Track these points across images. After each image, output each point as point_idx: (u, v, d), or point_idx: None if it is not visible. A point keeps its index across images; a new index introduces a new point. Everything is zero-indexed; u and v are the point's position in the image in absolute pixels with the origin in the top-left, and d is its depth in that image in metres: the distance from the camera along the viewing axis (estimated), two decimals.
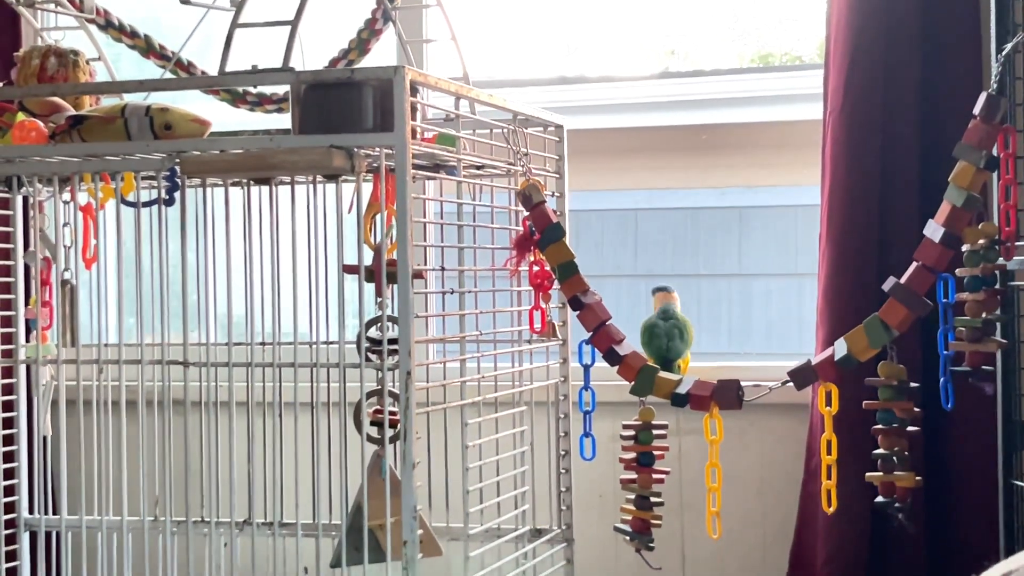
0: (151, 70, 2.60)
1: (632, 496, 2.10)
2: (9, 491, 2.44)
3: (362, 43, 2.49)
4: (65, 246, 2.25)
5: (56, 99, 2.24)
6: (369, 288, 1.93)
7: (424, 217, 2.03)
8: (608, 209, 3.46)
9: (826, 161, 2.43)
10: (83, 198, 2.23)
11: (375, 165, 1.93)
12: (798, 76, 2.81)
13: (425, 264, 2.09)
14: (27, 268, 2.43)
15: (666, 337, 2.44)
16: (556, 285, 2.19)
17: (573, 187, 2.42)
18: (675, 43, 3.13)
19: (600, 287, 2.14)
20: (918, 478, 1.94)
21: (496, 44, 3.02)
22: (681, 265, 3.45)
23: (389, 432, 1.93)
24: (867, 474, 1.97)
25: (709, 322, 3.43)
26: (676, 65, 3.09)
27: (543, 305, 2.24)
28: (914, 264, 1.90)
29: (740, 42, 3.12)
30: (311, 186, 2.10)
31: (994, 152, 1.89)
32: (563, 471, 2.36)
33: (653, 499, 2.09)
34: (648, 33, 3.07)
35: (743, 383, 2.02)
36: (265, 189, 2.11)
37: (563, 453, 2.36)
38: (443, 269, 2.13)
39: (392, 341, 1.87)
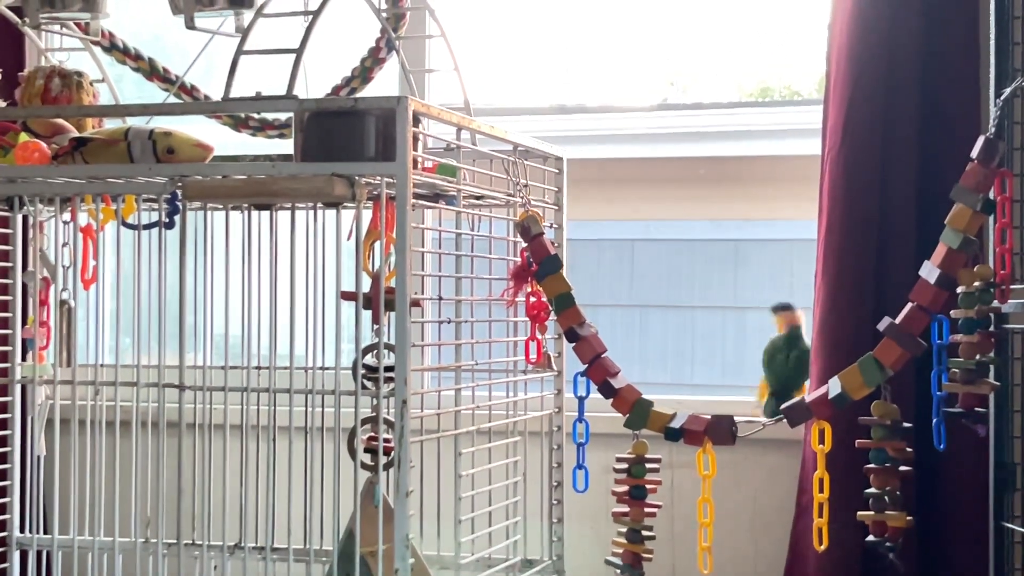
0: (153, 91, 2.61)
1: (624, 529, 2.10)
2: (1, 509, 2.44)
3: (365, 71, 2.50)
4: (64, 266, 2.25)
5: (59, 120, 2.25)
6: (366, 315, 1.94)
7: (423, 246, 2.04)
8: (604, 239, 3.47)
9: (823, 199, 2.44)
10: (83, 219, 2.24)
11: (375, 193, 1.94)
12: (797, 111, 2.83)
13: (423, 293, 2.10)
14: (25, 287, 2.44)
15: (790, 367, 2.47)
16: (552, 316, 2.20)
17: (570, 216, 2.43)
18: (674, 74, 3.15)
19: (595, 317, 2.15)
20: (909, 518, 1.95)
21: (496, 72, 3.03)
22: (676, 296, 3.46)
23: (383, 459, 1.94)
24: (859, 513, 1.97)
25: (703, 354, 3.44)
26: (675, 97, 3.11)
27: (539, 336, 2.25)
28: (909, 305, 1.91)
29: (739, 75, 3.14)
30: (311, 212, 2.10)
31: (991, 195, 1.91)
32: (555, 502, 2.37)
33: (645, 532, 2.09)
34: (648, 64, 3.08)
35: (737, 418, 2.03)
36: (265, 214, 2.12)
37: (556, 484, 2.37)
38: (440, 299, 2.13)
39: (388, 369, 1.88)
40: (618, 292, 3.52)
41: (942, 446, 1.91)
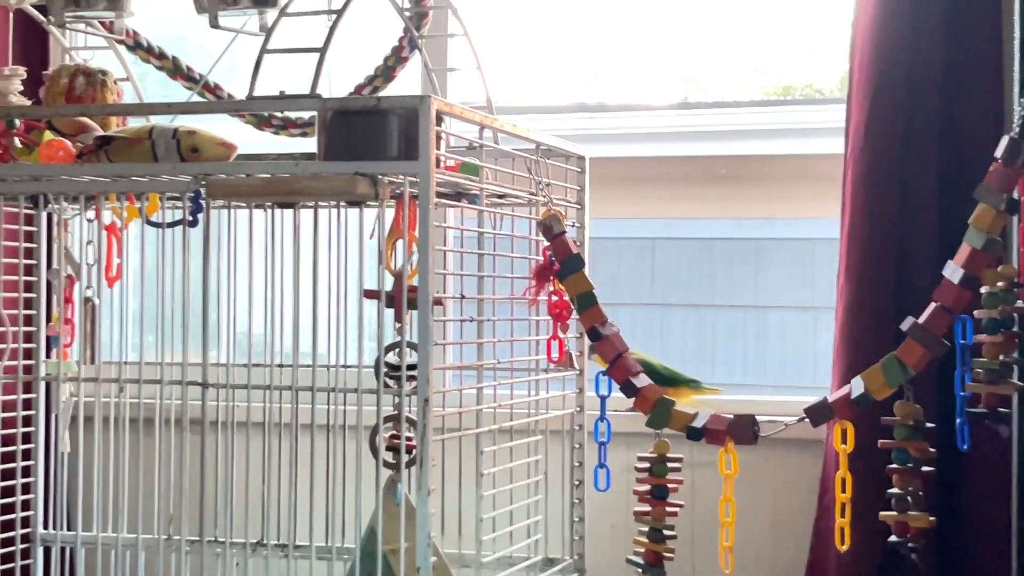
0: (177, 89, 2.62)
1: (645, 528, 2.10)
2: (26, 506, 2.46)
3: (388, 70, 2.51)
4: (88, 264, 2.27)
5: (84, 119, 2.26)
6: (388, 313, 1.94)
7: (445, 245, 2.05)
8: (625, 237, 3.47)
9: (846, 198, 2.44)
10: (107, 217, 2.25)
11: (398, 192, 1.94)
12: (818, 110, 2.82)
13: (445, 291, 2.10)
14: (49, 285, 2.45)
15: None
16: (574, 315, 2.20)
17: (591, 215, 2.44)
18: (694, 72, 3.14)
19: (615, 316, 2.15)
20: (932, 519, 1.94)
21: (515, 71, 3.03)
22: (697, 295, 3.46)
23: (404, 458, 1.94)
24: (881, 513, 1.97)
25: (724, 353, 3.44)
26: (695, 95, 3.10)
27: (561, 335, 2.25)
28: (932, 305, 1.91)
29: (760, 73, 3.13)
30: (334, 211, 2.11)
31: (1015, 195, 1.90)
32: (576, 501, 2.37)
33: (666, 532, 2.09)
34: (668, 62, 3.08)
35: (759, 418, 2.03)
36: (288, 212, 2.12)
37: (577, 483, 2.37)
38: (463, 297, 2.14)
39: (411, 367, 1.89)
40: (639, 291, 3.51)
41: (965, 447, 1.91)
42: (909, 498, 1.95)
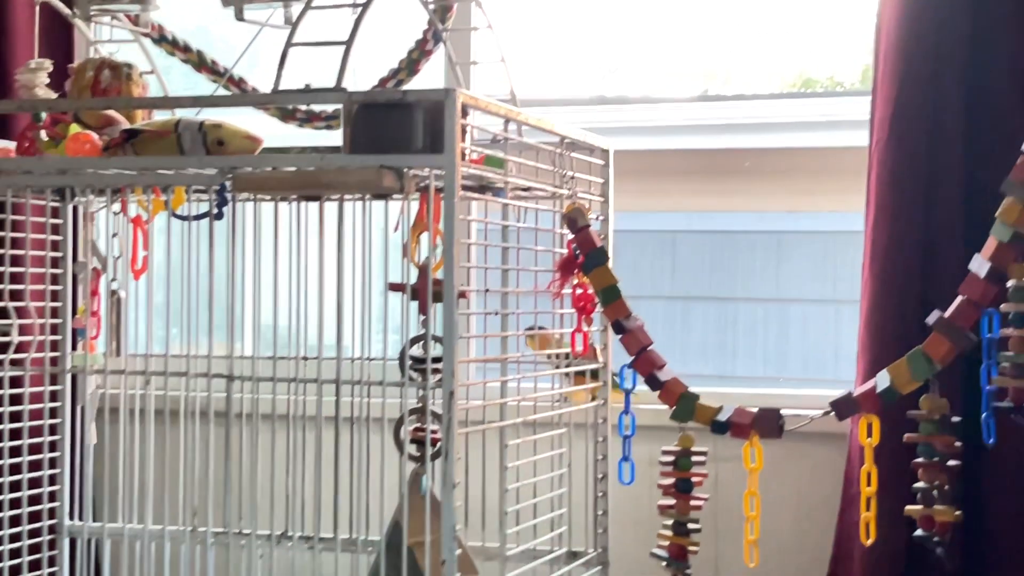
0: (200, 82, 2.63)
1: (670, 522, 2.10)
2: (52, 497, 2.47)
3: (412, 63, 2.51)
4: (114, 257, 2.28)
5: (111, 112, 2.26)
6: (413, 306, 1.94)
7: (469, 238, 2.05)
8: (647, 230, 3.47)
9: (871, 191, 2.43)
10: (133, 210, 2.26)
11: (423, 185, 1.94)
12: (841, 102, 2.81)
13: (469, 284, 2.10)
14: (75, 278, 2.46)
15: None
16: (598, 308, 2.20)
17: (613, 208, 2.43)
18: (714, 64, 3.13)
19: (636, 308, 2.15)
20: (958, 513, 1.94)
21: (538, 63, 3.03)
22: (718, 288, 3.45)
23: (429, 450, 1.95)
24: (907, 507, 1.96)
25: (745, 346, 3.44)
26: (715, 87, 3.10)
27: (585, 328, 2.25)
28: (959, 298, 1.90)
29: (781, 65, 3.13)
30: (359, 204, 2.11)
31: None
32: (601, 494, 2.37)
33: (690, 525, 2.09)
34: (688, 56, 3.07)
35: (783, 411, 2.02)
36: (314, 205, 2.13)
37: (601, 476, 2.37)
38: (487, 291, 2.14)
39: (435, 360, 1.89)
40: (660, 283, 3.51)
41: (991, 441, 1.90)
42: (935, 492, 1.94)
